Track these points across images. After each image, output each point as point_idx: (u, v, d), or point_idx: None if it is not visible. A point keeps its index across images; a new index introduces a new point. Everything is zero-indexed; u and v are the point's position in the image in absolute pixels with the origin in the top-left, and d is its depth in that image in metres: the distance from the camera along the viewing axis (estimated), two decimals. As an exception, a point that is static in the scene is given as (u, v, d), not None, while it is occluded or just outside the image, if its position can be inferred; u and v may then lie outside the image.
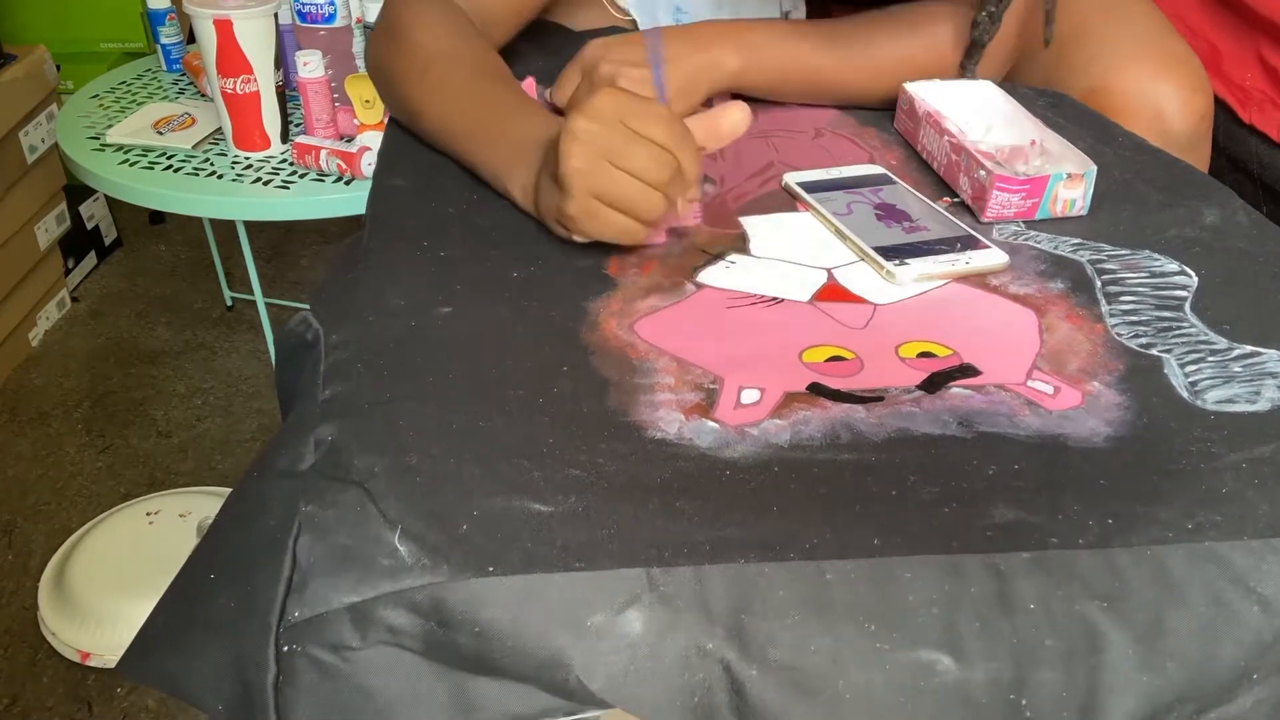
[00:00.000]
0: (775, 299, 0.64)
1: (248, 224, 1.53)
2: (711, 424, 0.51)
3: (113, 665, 1.29)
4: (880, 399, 0.54)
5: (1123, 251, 0.69)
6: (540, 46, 0.94)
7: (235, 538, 0.48)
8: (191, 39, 1.70)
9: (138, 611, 1.27)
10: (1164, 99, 0.89)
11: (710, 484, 0.47)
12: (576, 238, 0.66)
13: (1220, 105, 1.07)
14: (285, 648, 0.42)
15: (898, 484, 0.47)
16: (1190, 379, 0.56)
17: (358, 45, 1.49)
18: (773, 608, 0.40)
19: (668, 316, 0.61)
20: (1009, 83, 0.93)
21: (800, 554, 0.42)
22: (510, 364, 0.55)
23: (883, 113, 0.89)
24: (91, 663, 1.30)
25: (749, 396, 0.54)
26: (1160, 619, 0.42)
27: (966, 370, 0.57)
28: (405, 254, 0.65)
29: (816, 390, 0.55)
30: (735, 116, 0.68)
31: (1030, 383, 0.56)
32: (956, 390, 0.55)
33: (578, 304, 0.61)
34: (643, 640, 0.39)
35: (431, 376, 0.53)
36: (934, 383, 0.56)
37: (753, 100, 0.91)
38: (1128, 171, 0.78)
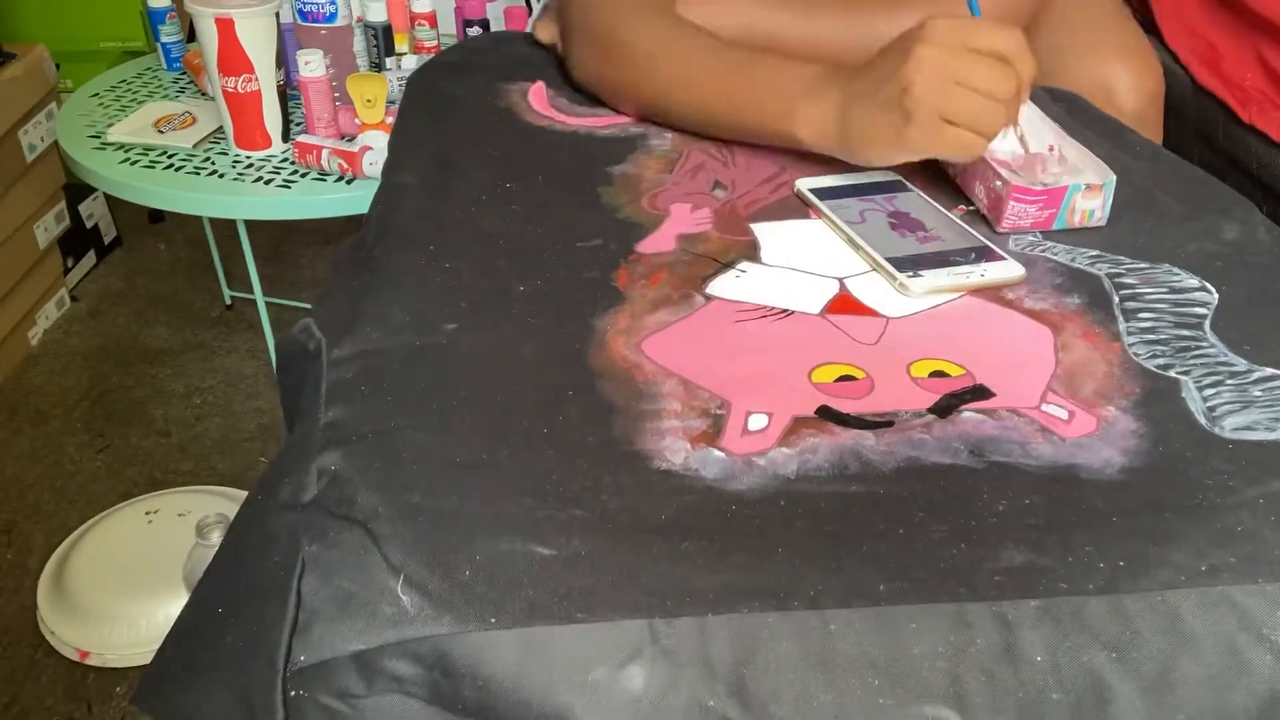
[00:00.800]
0: (785, 311, 0.63)
1: (248, 223, 1.52)
2: (718, 453, 0.51)
3: (112, 664, 1.29)
4: (890, 424, 0.53)
5: (1142, 265, 0.67)
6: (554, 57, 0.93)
7: (242, 571, 0.48)
8: (192, 37, 1.68)
9: (137, 610, 1.29)
10: (1114, 80, 0.94)
11: (715, 521, 0.46)
12: (899, 159, 0.71)
13: (1220, 105, 1.05)
14: (293, 693, 0.42)
15: (905, 521, 0.47)
16: (1209, 403, 0.55)
17: (359, 44, 1.48)
18: (775, 661, 0.40)
19: (676, 332, 0.60)
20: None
21: (804, 602, 0.42)
22: (515, 390, 0.54)
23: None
24: (90, 661, 1.30)
25: (756, 423, 0.53)
26: (1169, 669, 0.42)
27: (979, 392, 0.56)
28: (411, 263, 0.64)
29: (825, 414, 0.54)
30: None
31: (1044, 406, 0.55)
32: (969, 414, 0.54)
33: (585, 321, 0.61)
34: (645, 696, 0.39)
35: (435, 403, 0.52)
36: (946, 406, 0.55)
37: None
38: (1147, 180, 0.77)
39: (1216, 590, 0.43)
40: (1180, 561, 0.45)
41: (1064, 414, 0.54)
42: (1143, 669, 0.41)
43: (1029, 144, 0.74)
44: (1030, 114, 0.81)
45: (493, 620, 0.41)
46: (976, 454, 0.51)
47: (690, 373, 0.57)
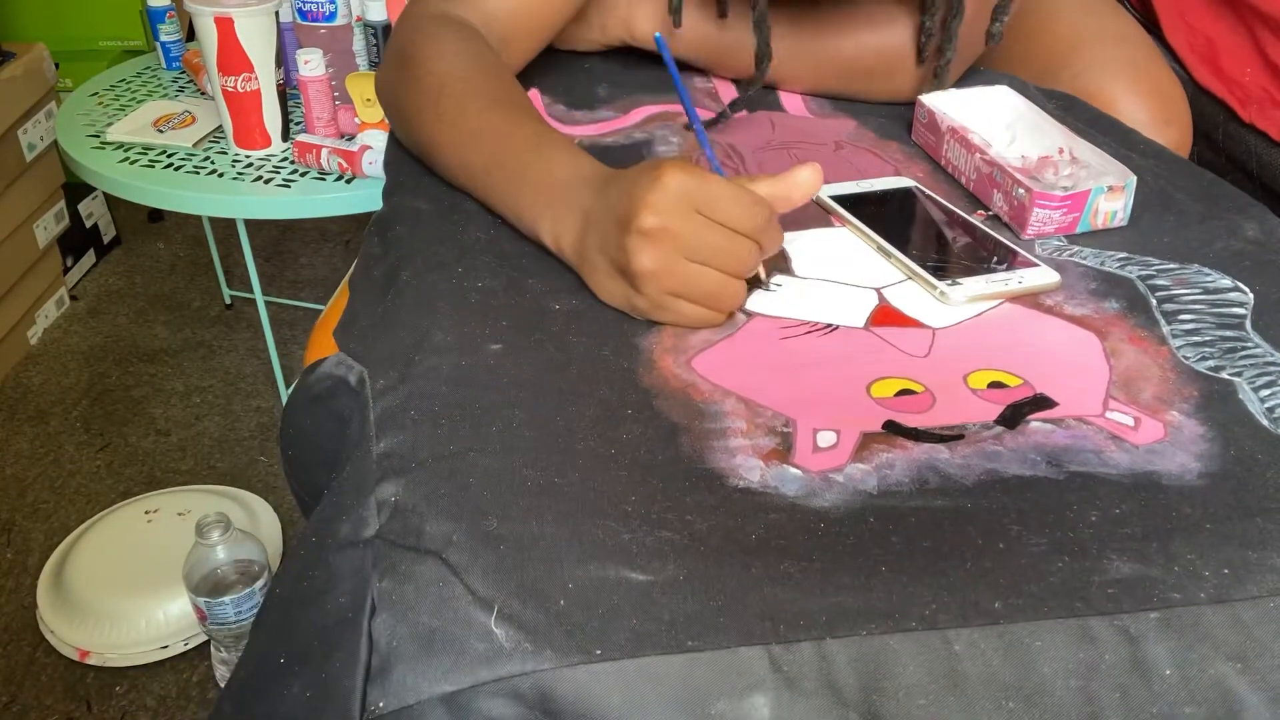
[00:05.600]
0: (830, 326, 0.61)
1: (247, 222, 1.50)
2: (794, 470, 0.49)
3: (111, 664, 1.27)
4: (961, 437, 0.52)
5: (1171, 266, 0.67)
6: (549, 58, 0.91)
7: (301, 616, 0.44)
8: (191, 36, 1.66)
9: (136, 610, 1.28)
10: (1136, 123, 0.90)
11: (808, 540, 0.44)
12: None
13: (1220, 104, 1.06)
14: (373, 742, 0.38)
15: (1001, 534, 0.45)
16: (1267, 404, 0.55)
17: (358, 43, 1.46)
18: (905, 686, 0.38)
19: (724, 350, 0.58)
20: (1018, 79, 0.92)
21: (921, 622, 0.40)
22: (572, 410, 0.52)
23: (903, 124, 0.86)
24: (90, 661, 1.27)
25: (826, 439, 0.51)
26: (1295, 677, 0.40)
27: (1042, 402, 0.55)
28: (442, 286, 0.61)
29: (894, 429, 0.52)
30: (805, 178, 0.61)
31: (1109, 414, 0.54)
32: (1036, 425, 0.53)
33: (628, 340, 0.58)
34: (773, 729, 0.37)
35: (493, 425, 0.49)
36: (1012, 416, 0.53)
37: (767, 108, 0.88)
38: (1159, 180, 0.76)
39: (1324, 594, 0.42)
40: (1283, 566, 0.43)
41: (1130, 420, 0.53)
42: (1269, 678, 0.40)
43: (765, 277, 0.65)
44: (1035, 117, 0.81)
45: (598, 652, 0.38)
46: (1054, 464, 0.50)
47: (748, 391, 0.54)
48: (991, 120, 0.83)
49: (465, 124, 0.70)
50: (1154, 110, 0.91)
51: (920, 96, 0.83)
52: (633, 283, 0.58)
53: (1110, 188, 0.70)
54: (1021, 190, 0.70)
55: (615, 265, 0.58)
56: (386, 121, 0.82)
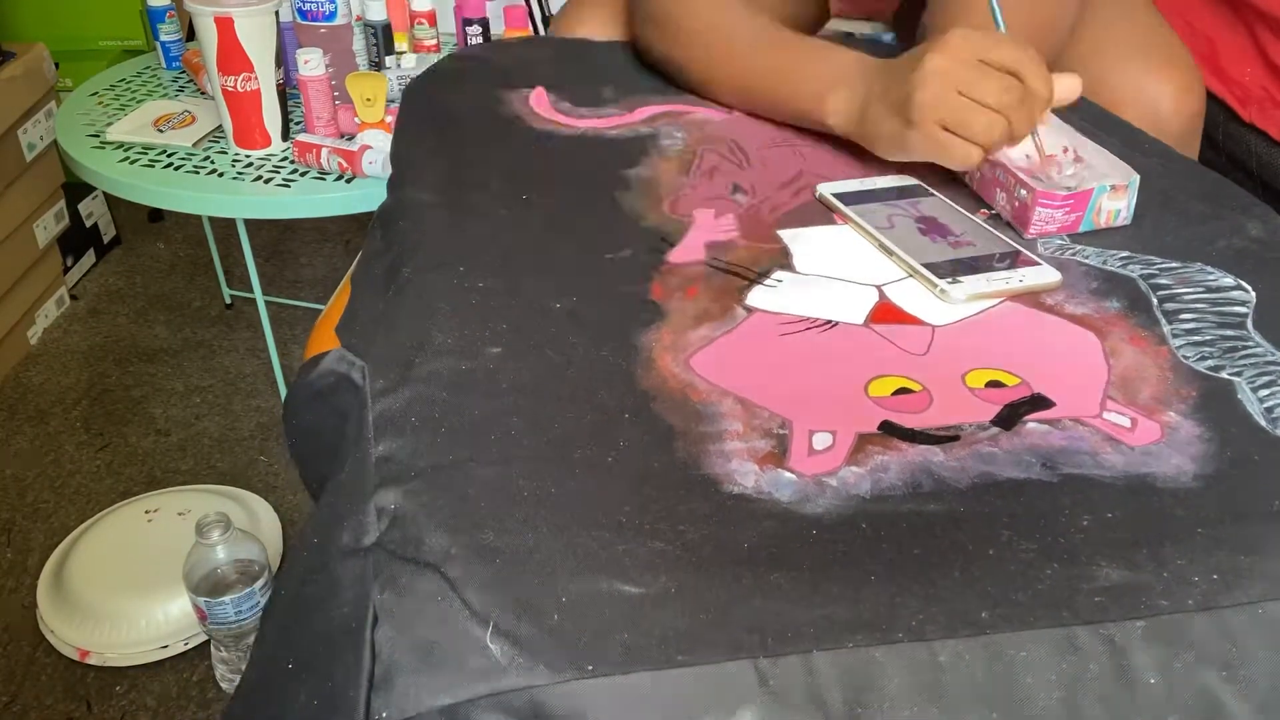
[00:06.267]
0: (830, 322, 0.61)
1: (247, 221, 1.51)
2: (789, 475, 0.49)
3: (112, 663, 1.28)
4: (956, 438, 0.52)
5: (1173, 264, 0.67)
6: (555, 57, 0.91)
7: (307, 622, 0.45)
8: (191, 36, 1.67)
9: (136, 609, 1.29)
10: (1160, 97, 0.91)
11: (800, 548, 0.45)
12: (905, 159, 0.74)
13: (1219, 104, 1.05)
14: (376, 751, 0.39)
15: (992, 540, 0.45)
16: (1265, 404, 0.55)
17: (358, 43, 1.46)
18: (889, 698, 0.38)
19: (723, 347, 0.59)
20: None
21: (908, 633, 0.40)
22: (570, 416, 0.52)
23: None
24: (90, 660, 1.29)
25: (821, 441, 0.52)
26: (1280, 686, 0.41)
27: (1039, 402, 0.55)
28: (443, 284, 0.62)
29: (890, 430, 0.53)
30: (1068, 84, 0.72)
31: (1106, 415, 0.54)
32: (1033, 425, 0.53)
33: (627, 339, 0.59)
34: (760, 742, 0.37)
35: (491, 433, 0.50)
36: (1009, 417, 0.54)
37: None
38: (1162, 179, 0.76)
39: (1314, 601, 0.43)
40: (1274, 572, 0.44)
41: (1126, 421, 0.54)
42: (1256, 685, 0.40)
43: (1044, 150, 0.73)
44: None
45: (590, 667, 0.39)
46: (1049, 467, 0.50)
47: (746, 391, 0.55)
48: None
49: (738, 58, 0.83)
50: (1175, 80, 0.91)
51: None
52: (909, 115, 0.69)
53: (1113, 187, 0.70)
54: (1023, 190, 0.70)
55: (897, 104, 0.70)
56: (390, 122, 0.83)
